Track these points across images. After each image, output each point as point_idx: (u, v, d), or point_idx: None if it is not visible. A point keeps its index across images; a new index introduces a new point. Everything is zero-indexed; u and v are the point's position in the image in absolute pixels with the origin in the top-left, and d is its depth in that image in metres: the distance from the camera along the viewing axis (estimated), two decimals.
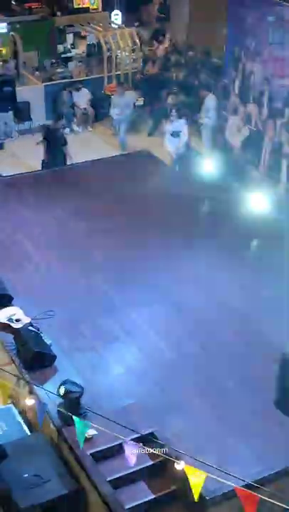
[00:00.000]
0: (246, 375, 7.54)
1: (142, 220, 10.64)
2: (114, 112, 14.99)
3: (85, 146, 14.56)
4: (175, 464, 5.24)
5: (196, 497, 5.12)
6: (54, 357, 7.61)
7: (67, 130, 15.37)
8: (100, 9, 19.07)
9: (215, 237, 10.06)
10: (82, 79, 16.72)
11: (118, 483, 6.32)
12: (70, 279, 9.23)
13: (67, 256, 9.79)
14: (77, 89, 16.10)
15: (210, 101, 14.12)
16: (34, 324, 8.00)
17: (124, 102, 15.03)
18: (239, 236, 10.07)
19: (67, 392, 6.67)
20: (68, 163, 13.02)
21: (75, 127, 16.02)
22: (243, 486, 5.07)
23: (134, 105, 15.66)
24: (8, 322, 8.09)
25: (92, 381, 7.35)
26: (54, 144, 12.92)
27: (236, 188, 11.23)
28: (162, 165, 12.83)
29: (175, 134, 13.13)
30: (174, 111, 13.38)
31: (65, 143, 13.06)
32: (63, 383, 6.78)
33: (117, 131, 15.22)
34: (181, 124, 13.21)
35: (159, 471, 6.45)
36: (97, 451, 6.51)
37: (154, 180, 11.77)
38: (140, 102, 16.16)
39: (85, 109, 16.11)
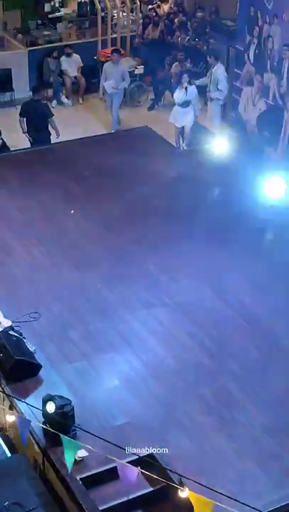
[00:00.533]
0: (260, 386, 7.55)
1: (141, 207, 10.64)
2: (108, 84, 14.74)
3: (75, 122, 14.53)
4: (178, 490, 5.25)
5: None
6: (39, 366, 7.61)
7: (54, 102, 15.37)
8: None
9: (224, 228, 10.06)
10: (72, 43, 16.71)
11: None
12: (57, 276, 9.22)
13: (54, 249, 9.79)
14: (67, 55, 16.10)
15: (219, 71, 14.08)
16: (16, 328, 8.01)
17: (120, 72, 14.85)
18: (251, 227, 10.07)
19: (54, 407, 6.67)
20: (54, 141, 12.99)
21: (63, 99, 16.01)
22: None
23: (132, 74, 15.60)
24: None
25: (83, 395, 7.34)
26: (35, 118, 12.82)
27: (250, 172, 11.22)
28: (165, 144, 12.80)
29: (185, 105, 13.02)
30: (185, 75, 13.23)
31: (50, 115, 12.94)
32: (49, 398, 6.77)
33: (110, 104, 15.13)
34: (192, 93, 13.12)
35: (159, 498, 6.44)
36: (88, 476, 6.50)
37: (154, 161, 11.74)
38: (139, 70, 16.14)
39: (75, 78, 16.12)
